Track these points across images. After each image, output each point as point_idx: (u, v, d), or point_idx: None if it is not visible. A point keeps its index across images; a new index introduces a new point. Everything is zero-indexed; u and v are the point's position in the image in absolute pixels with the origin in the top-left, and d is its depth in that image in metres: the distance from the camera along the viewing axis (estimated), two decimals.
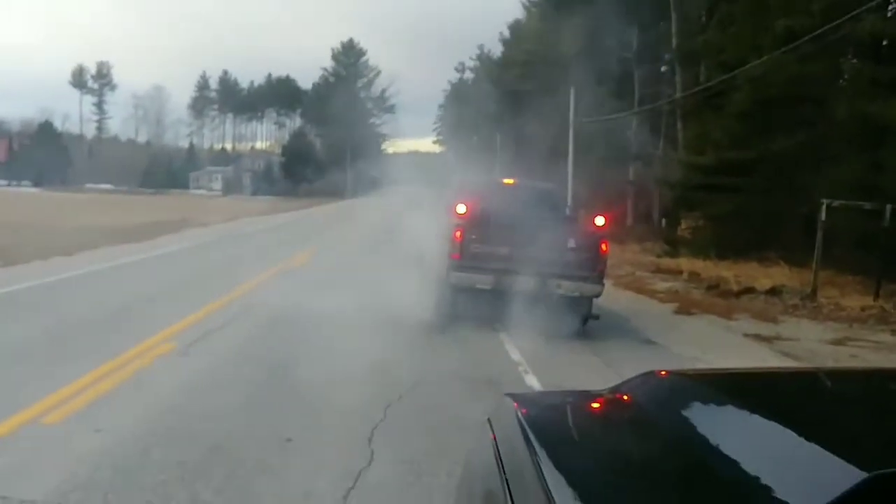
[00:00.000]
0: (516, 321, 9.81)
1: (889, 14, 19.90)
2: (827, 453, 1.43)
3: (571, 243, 10.57)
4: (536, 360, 8.52)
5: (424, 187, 17.40)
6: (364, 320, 10.11)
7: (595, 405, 2.33)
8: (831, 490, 1.28)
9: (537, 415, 2.14)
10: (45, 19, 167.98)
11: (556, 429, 2.12)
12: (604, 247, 10.62)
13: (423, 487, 4.84)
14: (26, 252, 16.36)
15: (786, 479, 1.42)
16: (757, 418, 1.75)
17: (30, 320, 9.60)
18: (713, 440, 1.68)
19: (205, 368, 7.52)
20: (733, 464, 1.55)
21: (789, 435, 1.59)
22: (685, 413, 1.94)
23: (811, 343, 11.17)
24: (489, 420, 2.20)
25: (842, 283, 16.85)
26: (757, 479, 1.47)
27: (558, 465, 1.69)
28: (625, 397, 2.22)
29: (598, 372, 8.37)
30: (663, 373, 2.25)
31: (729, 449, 1.61)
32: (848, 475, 1.30)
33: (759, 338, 11.22)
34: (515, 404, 2.15)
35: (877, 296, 15.05)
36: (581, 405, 2.36)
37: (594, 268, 10.46)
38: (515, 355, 8.86)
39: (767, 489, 1.42)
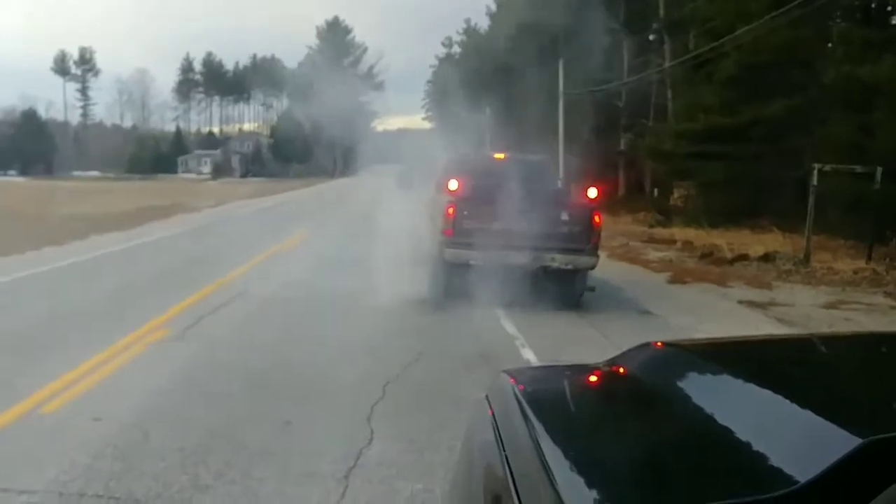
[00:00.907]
0: (512, 296, 9.80)
1: None
2: (822, 420, 1.43)
3: (564, 216, 10.54)
4: (533, 334, 8.54)
5: (414, 163, 17.29)
6: (359, 300, 10.13)
7: (592, 378, 2.33)
8: (827, 456, 1.28)
9: (534, 389, 2.13)
10: (23, 5, 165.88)
11: (553, 403, 2.12)
12: (597, 219, 10.59)
13: (424, 464, 4.84)
14: (17, 242, 16.26)
15: (781, 447, 1.42)
16: (752, 387, 1.74)
17: (25, 310, 9.59)
18: (709, 410, 1.68)
19: (200, 354, 7.49)
20: (729, 432, 1.54)
21: (784, 402, 1.59)
22: (681, 383, 1.93)
23: (805, 308, 11.21)
24: (487, 396, 2.19)
25: (834, 247, 16.92)
26: (751, 446, 1.47)
27: (556, 440, 1.68)
28: (621, 369, 2.21)
29: (594, 343, 8.39)
30: (659, 344, 2.23)
31: (725, 418, 1.60)
32: (843, 441, 1.30)
33: (753, 304, 11.26)
34: (512, 380, 2.14)
35: (869, 259, 15.12)
36: (578, 378, 2.35)
37: (588, 240, 10.44)
38: (511, 329, 8.87)
39: (763, 457, 1.42)
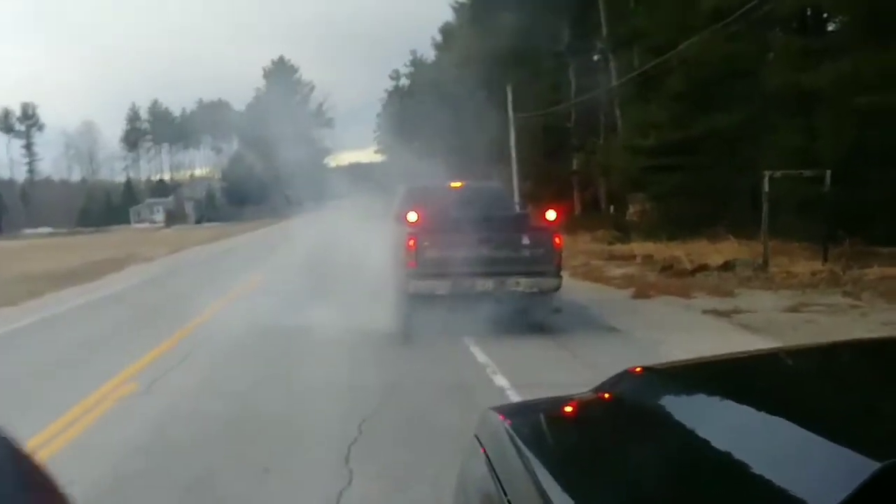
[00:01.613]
0: (479, 323, 9.76)
1: None
2: (830, 442, 1.35)
3: (525, 240, 10.58)
4: (503, 360, 8.47)
5: (369, 197, 17.29)
6: (325, 339, 9.98)
7: (580, 408, 2.27)
8: (846, 484, 1.19)
9: (524, 424, 2.09)
10: None
11: (545, 436, 2.09)
12: (557, 240, 10.65)
13: (408, 500, 4.75)
14: None
15: (789, 474, 1.33)
16: (746, 408, 1.68)
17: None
18: (705, 434, 1.62)
19: (170, 406, 7.27)
20: (729, 458, 1.47)
21: (785, 424, 1.52)
22: (672, 408, 1.87)
23: (768, 313, 11.33)
24: (476, 436, 2.14)
25: (790, 250, 17.19)
26: (755, 474, 1.39)
27: (553, 471, 1.65)
28: (608, 397, 2.15)
29: (565, 364, 8.40)
30: (639, 369, 2.18)
31: (722, 443, 1.54)
32: (860, 467, 1.20)
33: (717, 313, 11.34)
34: (501, 416, 2.11)
35: (825, 260, 15.38)
36: (566, 410, 2.31)
37: (550, 262, 10.47)
38: (482, 357, 8.79)
39: (770, 486, 1.33)
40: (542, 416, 2.26)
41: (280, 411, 6.84)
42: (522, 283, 10.24)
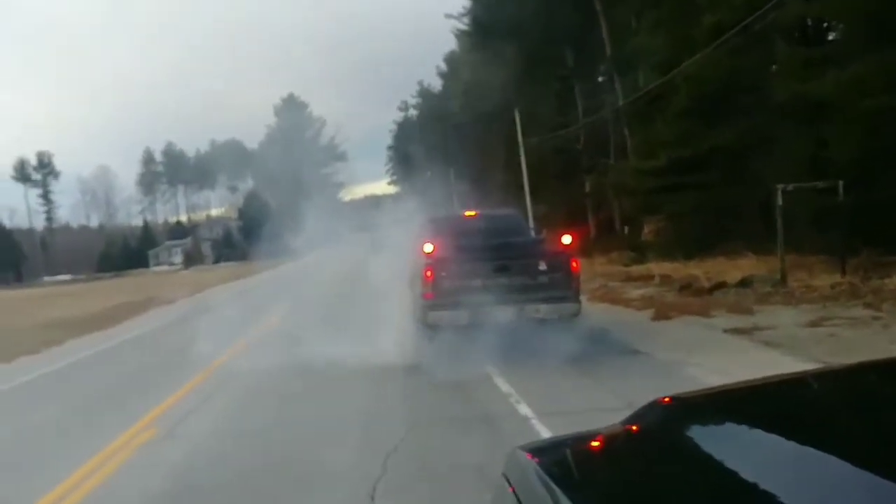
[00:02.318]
0: (500, 352, 9.77)
1: None
2: (869, 474, 1.31)
3: (542, 266, 10.57)
4: (526, 389, 8.46)
5: (385, 229, 17.36)
6: (346, 375, 10.02)
7: (608, 444, 2.27)
8: None
9: (553, 461, 2.06)
10: None
11: (574, 474, 2.08)
12: (574, 264, 10.65)
13: None
14: None
15: None
16: (782, 440, 1.62)
17: (2, 426, 9.34)
18: (738, 468, 1.62)
19: (191, 451, 7.31)
20: (761, 490, 1.48)
21: (819, 456, 1.47)
22: (705, 441, 1.83)
23: (789, 328, 11.27)
24: (504, 475, 2.16)
25: (808, 264, 17.09)
26: None
27: None
28: (637, 430, 2.16)
29: (589, 391, 8.38)
30: (667, 399, 2.20)
31: (756, 476, 1.50)
32: None
33: (738, 331, 11.29)
34: (528, 455, 2.08)
35: (843, 272, 15.28)
36: (595, 445, 2.28)
37: (569, 287, 10.47)
38: (505, 387, 8.78)
39: None
40: (570, 453, 2.23)
41: (303, 450, 6.87)
42: (542, 310, 10.23)
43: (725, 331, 11.51)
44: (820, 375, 2.67)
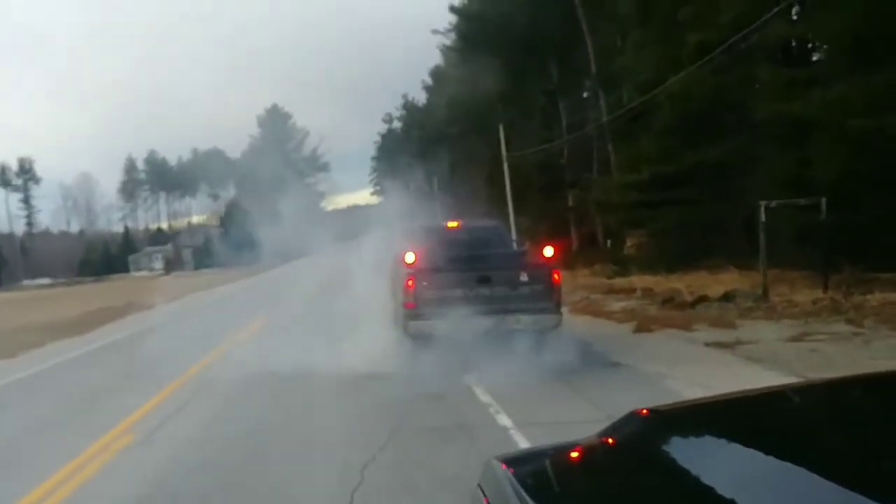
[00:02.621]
0: (480, 362, 9.68)
1: (794, 17, 20.58)
2: (842, 489, 1.31)
3: (524, 277, 10.56)
4: (506, 399, 8.37)
5: (367, 239, 17.32)
6: (324, 382, 9.92)
7: (584, 455, 2.22)
8: None
9: (528, 473, 2.05)
10: None
11: (549, 485, 2.04)
12: (556, 276, 10.67)
13: None
14: None
15: None
16: (754, 453, 1.64)
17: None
18: (713, 483, 1.55)
19: (168, 457, 7.18)
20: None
21: (794, 470, 1.47)
22: (678, 454, 1.82)
23: (771, 343, 11.26)
24: (479, 485, 2.09)
25: (790, 279, 17.14)
26: None
27: None
28: (612, 442, 2.10)
29: (569, 402, 8.32)
30: (644, 411, 2.13)
31: (731, 491, 1.49)
32: None
33: (720, 345, 11.26)
34: (504, 465, 2.07)
35: (825, 287, 15.32)
36: (570, 457, 2.25)
37: (550, 298, 10.45)
38: (484, 397, 8.70)
39: None
40: (546, 465, 2.20)
41: (281, 458, 6.77)
42: (523, 321, 10.20)
43: (707, 344, 11.47)
44: (800, 390, 2.68)
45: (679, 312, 15.32)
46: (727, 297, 15.89)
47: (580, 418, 7.43)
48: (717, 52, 19.29)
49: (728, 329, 12.80)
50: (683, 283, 18.89)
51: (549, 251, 10.95)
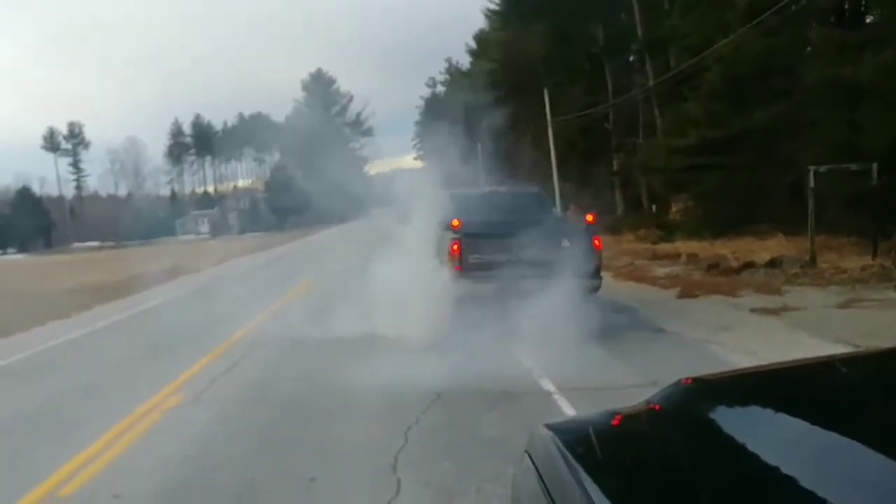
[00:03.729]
0: (523, 326, 9.71)
1: None
2: (889, 460, 1.30)
3: (565, 242, 10.57)
4: (549, 364, 8.38)
5: (410, 204, 17.32)
6: (369, 344, 10.07)
7: (630, 423, 2.25)
8: None
9: (575, 440, 2.07)
10: (9, 87, 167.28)
11: (595, 452, 2.06)
12: (597, 242, 10.78)
13: None
14: (22, 320, 16.21)
15: (848, 494, 1.29)
16: (800, 422, 1.65)
17: (35, 389, 9.50)
18: (759, 451, 1.57)
19: (216, 417, 7.40)
20: (781, 474, 1.44)
21: (840, 440, 1.47)
22: (723, 422, 1.85)
23: (818, 310, 11.13)
24: (527, 452, 2.14)
25: (838, 245, 16.87)
26: (814, 494, 1.33)
27: (605, 488, 1.62)
28: (658, 410, 2.13)
29: (612, 367, 8.33)
30: (690, 380, 2.16)
31: (777, 459, 1.50)
32: None
33: (766, 311, 11.16)
34: (551, 432, 2.09)
35: (874, 254, 15.06)
36: (616, 425, 2.28)
37: (590, 263, 10.48)
38: (528, 362, 8.73)
39: None
40: (592, 432, 2.24)
41: (325, 419, 6.92)
42: (562, 285, 10.23)
43: (753, 311, 11.37)
44: (848, 360, 2.64)
45: (724, 278, 15.17)
46: (773, 264, 15.68)
47: (624, 384, 7.46)
48: (768, 14, 18.89)
49: (774, 295, 12.66)
50: (729, 249, 18.68)
51: (589, 217, 11.01)
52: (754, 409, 1.89)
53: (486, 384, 7.79)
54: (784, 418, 1.71)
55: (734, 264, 16.36)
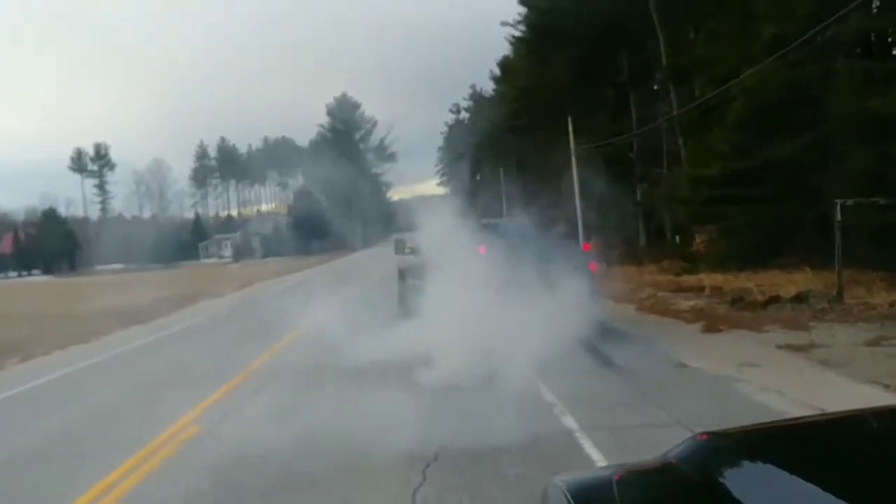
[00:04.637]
0: (545, 361, 9.63)
1: (874, 10, 19.91)
2: None
3: (564, 267, 11.71)
4: (571, 399, 8.28)
5: (430, 230, 17.39)
6: (387, 372, 10.00)
7: (644, 479, 2.26)
8: None
9: (587, 495, 2.13)
10: (38, 108, 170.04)
11: None
12: (592, 266, 12.82)
13: None
14: (43, 344, 16.31)
15: None
16: (823, 494, 1.59)
17: (46, 419, 9.47)
18: None
19: (231, 451, 7.26)
20: None
21: None
22: (736, 483, 1.83)
23: (846, 347, 10.92)
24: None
25: (866, 280, 16.62)
26: None
27: None
28: (673, 466, 2.10)
29: (635, 404, 8.20)
30: (706, 436, 2.15)
31: None
32: None
33: (792, 348, 10.98)
34: (565, 487, 2.14)
35: None
36: (630, 481, 2.27)
37: (590, 287, 12.00)
38: (549, 396, 8.63)
39: None
40: (606, 488, 2.22)
41: (344, 453, 6.80)
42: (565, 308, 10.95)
43: (779, 347, 11.20)
44: (879, 414, 2.49)
45: (749, 312, 14.98)
46: (800, 298, 15.45)
47: (647, 422, 7.33)
48: (794, 46, 18.80)
49: (800, 331, 12.47)
50: (754, 282, 18.47)
51: (586, 246, 13.80)
52: (771, 470, 1.83)
53: (507, 419, 7.53)
54: (798, 483, 1.66)
55: (759, 298, 16.14)
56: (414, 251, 14.86)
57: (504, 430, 7.17)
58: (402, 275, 15.22)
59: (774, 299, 15.77)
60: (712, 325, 13.61)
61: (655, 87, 37.74)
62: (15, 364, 14.67)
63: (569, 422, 7.54)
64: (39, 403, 10.57)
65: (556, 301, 10.73)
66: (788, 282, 17.74)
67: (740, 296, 16.93)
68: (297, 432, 7.45)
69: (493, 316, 10.43)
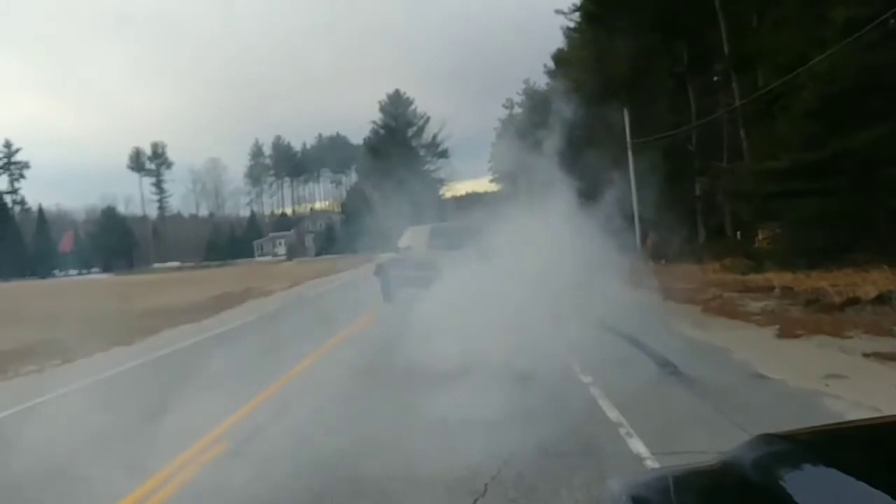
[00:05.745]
0: (605, 370, 8.87)
1: None
2: None
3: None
4: (637, 418, 7.36)
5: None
6: (434, 384, 9.19)
7: (705, 480, 2.21)
8: None
9: (649, 497, 2.11)
10: (97, 109, 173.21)
11: None
12: None
13: None
14: (89, 344, 16.02)
15: None
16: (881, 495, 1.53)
17: (67, 430, 8.76)
18: None
19: (261, 471, 6.54)
20: None
21: None
22: (798, 486, 1.77)
23: None
24: None
25: None
26: None
27: None
28: (735, 467, 2.03)
29: (711, 424, 7.24)
30: (769, 436, 2.09)
31: None
32: None
33: (882, 357, 9.89)
34: (623, 487, 2.16)
35: None
36: (691, 482, 2.23)
37: None
38: (613, 414, 7.75)
39: None
40: (666, 489, 2.21)
41: (389, 472, 6.15)
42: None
43: (865, 355, 10.12)
44: None
45: (827, 315, 13.86)
46: (882, 300, 14.27)
47: (724, 445, 6.45)
48: (868, 29, 17.74)
49: (887, 337, 11.34)
50: (827, 282, 17.31)
51: None
52: (832, 473, 1.75)
53: (567, 442, 6.77)
54: (862, 487, 1.60)
55: (836, 300, 14.98)
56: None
57: (564, 455, 6.40)
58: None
59: (853, 301, 14.61)
60: (788, 330, 12.58)
61: (715, 78, 36.47)
62: (56, 366, 14.37)
63: (637, 446, 6.65)
64: (59, 413, 9.95)
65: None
66: (865, 281, 16.55)
67: (815, 297, 15.79)
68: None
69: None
